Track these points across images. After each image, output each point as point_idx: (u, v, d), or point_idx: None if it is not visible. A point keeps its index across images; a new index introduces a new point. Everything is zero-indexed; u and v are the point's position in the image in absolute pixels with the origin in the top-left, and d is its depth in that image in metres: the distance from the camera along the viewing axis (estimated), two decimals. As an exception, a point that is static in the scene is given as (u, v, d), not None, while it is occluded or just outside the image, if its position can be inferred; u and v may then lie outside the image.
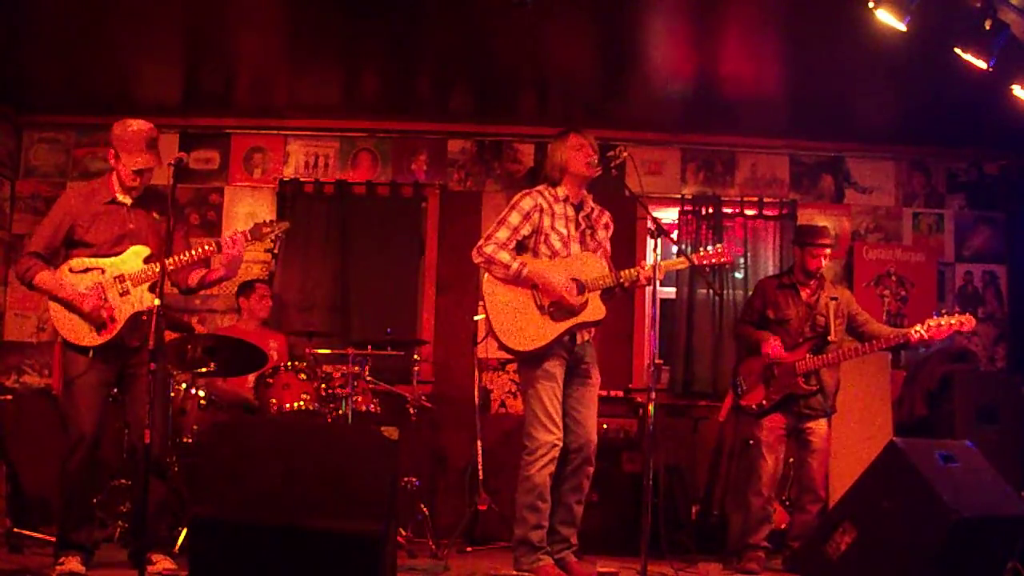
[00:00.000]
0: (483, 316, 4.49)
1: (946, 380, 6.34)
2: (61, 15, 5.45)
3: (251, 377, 5.56)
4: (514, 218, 4.44)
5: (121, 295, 4.21)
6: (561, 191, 4.53)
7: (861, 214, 7.09)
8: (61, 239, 4.27)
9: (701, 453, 6.56)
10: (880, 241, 7.04)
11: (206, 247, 4.27)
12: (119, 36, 5.75)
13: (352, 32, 5.69)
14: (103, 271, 4.22)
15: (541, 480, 4.30)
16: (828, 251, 5.28)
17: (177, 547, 4.66)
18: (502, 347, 4.40)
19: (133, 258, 4.24)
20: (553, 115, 6.65)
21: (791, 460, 5.46)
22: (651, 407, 4.20)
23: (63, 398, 4.32)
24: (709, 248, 4.66)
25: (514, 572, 4.35)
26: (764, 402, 5.16)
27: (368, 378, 5.59)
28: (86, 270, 4.22)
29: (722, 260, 4.59)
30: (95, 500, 5.37)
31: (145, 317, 4.16)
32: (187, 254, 4.24)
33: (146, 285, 4.23)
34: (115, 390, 4.40)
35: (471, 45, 5.86)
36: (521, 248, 4.46)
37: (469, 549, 5.67)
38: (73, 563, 4.14)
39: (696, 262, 4.61)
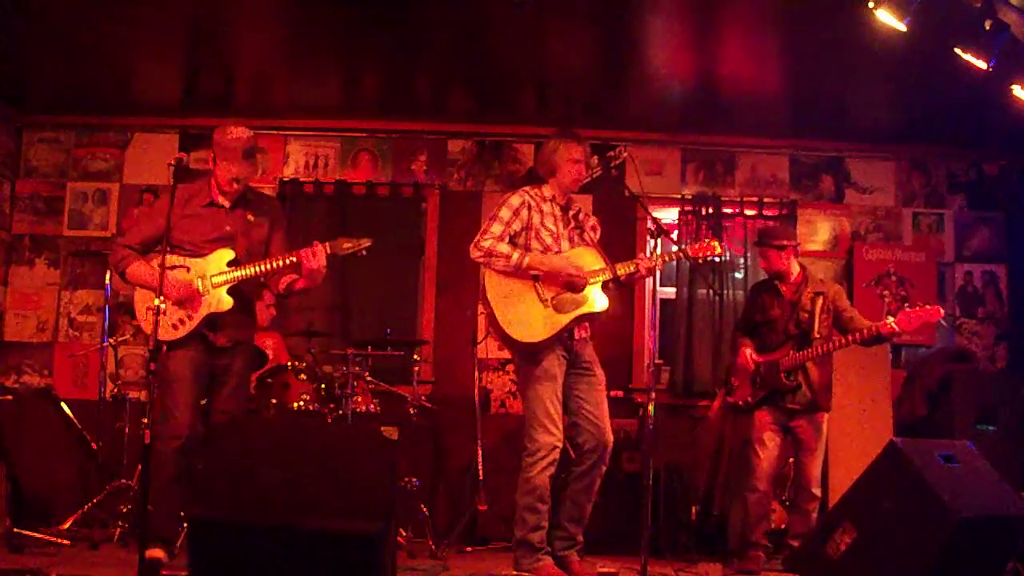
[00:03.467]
0: (483, 312, 4.47)
1: (946, 380, 6.34)
2: (61, 15, 5.45)
3: (250, 377, 5.55)
4: (504, 213, 4.46)
5: (200, 294, 4.26)
6: (547, 191, 4.56)
7: (861, 214, 7.09)
8: (154, 239, 4.34)
9: (701, 453, 6.56)
10: (880, 241, 7.04)
11: (286, 261, 4.29)
12: (119, 36, 5.75)
13: (352, 32, 5.69)
14: (188, 270, 4.30)
15: (541, 482, 4.30)
16: (789, 249, 5.22)
17: (177, 547, 4.67)
18: (506, 340, 4.38)
19: (217, 261, 4.29)
20: (553, 115, 6.65)
21: (790, 459, 5.47)
22: (651, 407, 4.21)
23: (158, 394, 4.29)
24: (699, 243, 4.69)
25: (514, 573, 4.35)
26: (749, 398, 5.20)
27: (368, 378, 5.59)
28: (172, 267, 4.27)
29: (712, 253, 4.61)
30: (96, 500, 5.40)
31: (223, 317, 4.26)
32: (266, 265, 4.29)
33: (224, 288, 4.27)
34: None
35: (471, 45, 5.86)
36: (512, 245, 4.46)
37: (469, 549, 5.67)
38: (159, 552, 4.14)
39: (691, 254, 4.63)
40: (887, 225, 7.09)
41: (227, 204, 4.39)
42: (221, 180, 4.36)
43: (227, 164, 4.32)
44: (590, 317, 4.45)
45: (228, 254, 4.32)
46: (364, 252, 4.38)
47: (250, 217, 4.42)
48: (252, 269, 4.30)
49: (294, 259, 4.27)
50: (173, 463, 4.23)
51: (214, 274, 4.28)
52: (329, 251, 4.31)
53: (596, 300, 4.40)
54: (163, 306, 3.93)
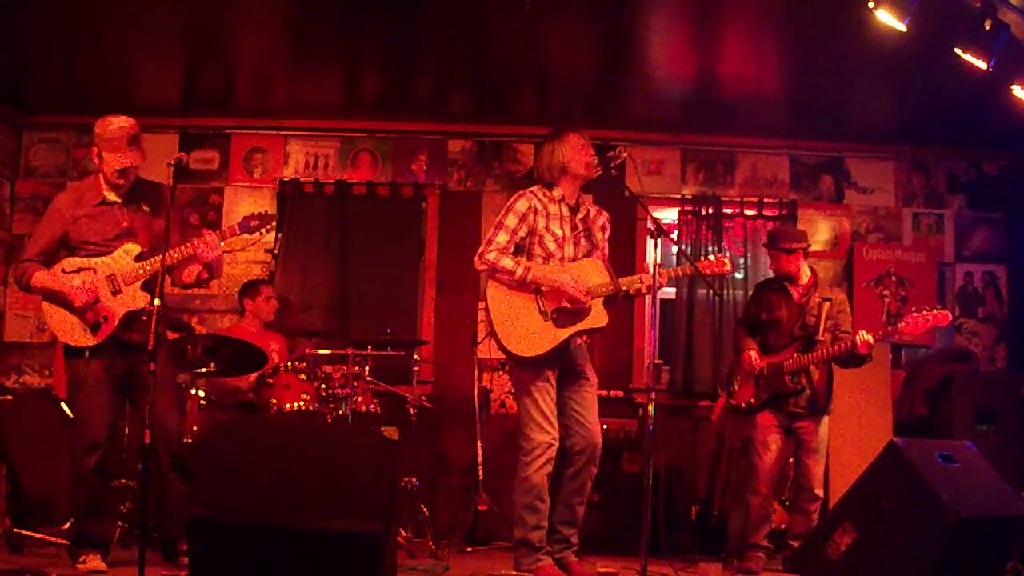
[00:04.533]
0: (484, 321, 4.46)
1: (946, 380, 6.34)
2: (61, 15, 5.45)
3: (251, 377, 5.56)
4: (511, 220, 4.42)
5: (113, 294, 4.23)
6: (556, 192, 4.50)
7: (861, 214, 7.09)
8: (54, 247, 4.31)
9: (701, 453, 6.55)
10: (880, 241, 7.04)
11: (185, 251, 4.25)
12: (119, 36, 5.76)
13: (352, 32, 5.69)
14: (95, 271, 4.25)
15: (539, 480, 4.30)
16: (798, 251, 5.23)
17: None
18: (504, 351, 4.39)
19: (124, 256, 4.25)
20: (553, 115, 6.64)
21: (791, 460, 5.47)
22: (651, 407, 4.20)
23: (71, 404, 4.34)
24: (711, 257, 4.65)
25: (514, 573, 4.35)
26: (752, 400, 5.19)
27: (368, 378, 5.59)
28: (78, 270, 4.25)
29: (723, 270, 4.60)
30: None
31: (145, 317, 4.15)
32: (171, 253, 4.20)
33: (138, 284, 4.24)
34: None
35: (471, 45, 5.86)
36: (516, 250, 4.44)
37: (469, 549, 5.67)
38: (95, 560, 4.20)
39: (699, 271, 4.60)
40: (887, 225, 7.09)
41: (119, 200, 4.33)
42: (108, 174, 4.27)
43: (113, 155, 4.22)
44: (589, 332, 4.44)
45: (134, 248, 4.27)
46: (266, 230, 4.38)
47: (145, 208, 4.35)
48: (154, 260, 4.21)
49: (191, 247, 4.22)
50: (90, 476, 4.24)
51: (123, 271, 4.22)
52: (239, 231, 4.30)
53: (596, 315, 4.39)
54: (158, 303, 3.89)
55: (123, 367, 4.30)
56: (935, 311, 4.86)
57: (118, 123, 4.25)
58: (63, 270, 4.26)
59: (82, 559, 4.21)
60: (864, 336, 4.85)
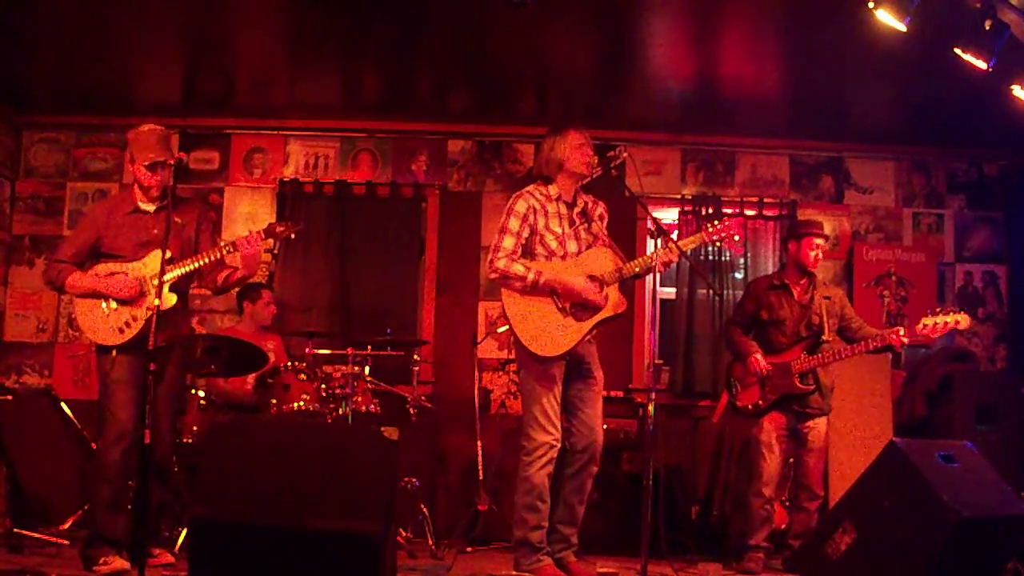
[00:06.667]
0: (507, 328, 4.44)
1: (946, 380, 6.34)
2: (61, 15, 5.45)
3: (251, 377, 5.56)
4: (513, 224, 4.42)
5: (143, 295, 4.35)
6: (553, 189, 4.51)
7: (861, 214, 7.09)
8: (87, 251, 4.46)
9: (701, 453, 6.55)
10: (880, 241, 7.04)
11: (223, 250, 4.42)
12: (119, 36, 5.76)
13: (352, 32, 5.69)
14: (126, 274, 4.38)
15: (540, 480, 4.30)
16: (823, 244, 5.26)
17: (177, 547, 4.67)
18: (530, 355, 4.36)
19: (154, 261, 4.34)
20: (553, 115, 6.62)
21: (790, 460, 5.46)
22: (651, 407, 4.20)
23: (101, 398, 4.45)
24: (716, 223, 4.65)
25: (514, 573, 4.35)
26: (760, 402, 5.16)
27: (368, 378, 5.59)
28: (111, 274, 4.39)
29: (731, 233, 4.60)
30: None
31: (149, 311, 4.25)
32: (204, 256, 4.40)
33: (166, 286, 4.32)
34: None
35: (471, 45, 5.86)
36: (525, 261, 4.43)
37: (469, 549, 5.66)
38: (116, 561, 4.22)
39: (707, 239, 4.62)
40: (887, 225, 7.09)
41: (151, 209, 4.47)
42: (141, 177, 4.43)
43: (144, 153, 4.38)
44: (611, 320, 4.45)
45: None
46: (293, 235, 4.60)
47: (177, 219, 4.47)
48: (192, 264, 4.39)
49: (233, 245, 4.39)
50: (114, 467, 4.29)
51: (154, 274, 4.32)
52: (264, 236, 4.47)
53: (615, 303, 4.41)
54: (159, 303, 3.99)
55: (145, 368, 4.33)
56: (953, 316, 4.83)
57: (148, 126, 4.47)
58: (96, 274, 4.41)
59: (102, 560, 4.20)
60: (902, 337, 4.89)
